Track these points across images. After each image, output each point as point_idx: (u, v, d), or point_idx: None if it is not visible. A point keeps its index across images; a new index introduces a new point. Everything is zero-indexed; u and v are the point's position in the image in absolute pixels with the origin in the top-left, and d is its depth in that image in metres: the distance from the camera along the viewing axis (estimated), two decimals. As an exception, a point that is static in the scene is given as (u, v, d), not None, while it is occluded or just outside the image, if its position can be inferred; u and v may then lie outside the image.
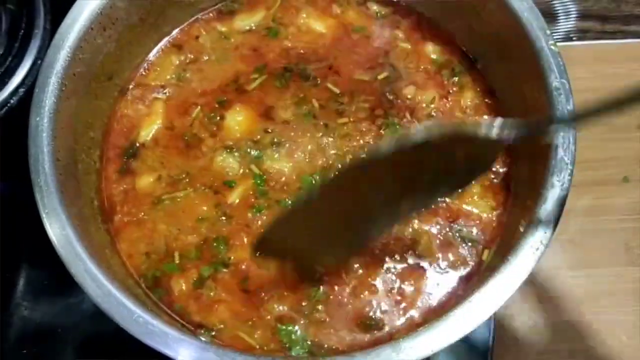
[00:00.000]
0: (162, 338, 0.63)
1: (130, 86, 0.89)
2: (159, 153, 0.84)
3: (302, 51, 0.89)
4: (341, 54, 0.89)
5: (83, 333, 0.92)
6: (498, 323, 0.92)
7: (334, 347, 0.72)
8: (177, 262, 0.78)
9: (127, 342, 0.63)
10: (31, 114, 0.73)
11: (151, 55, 0.91)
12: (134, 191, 0.82)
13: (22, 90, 0.86)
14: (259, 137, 0.83)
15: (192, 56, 0.91)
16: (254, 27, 0.92)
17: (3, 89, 0.85)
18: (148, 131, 0.86)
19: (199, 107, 0.86)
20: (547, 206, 0.67)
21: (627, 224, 1.05)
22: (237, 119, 0.85)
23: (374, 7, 0.93)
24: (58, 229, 0.68)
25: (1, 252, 0.91)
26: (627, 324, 0.99)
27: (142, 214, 0.81)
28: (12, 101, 0.85)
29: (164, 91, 0.88)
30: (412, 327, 0.73)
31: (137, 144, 0.85)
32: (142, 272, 0.78)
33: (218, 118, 0.85)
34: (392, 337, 0.72)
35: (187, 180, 0.82)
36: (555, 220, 0.66)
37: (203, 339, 0.71)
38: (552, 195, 0.67)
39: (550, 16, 1.22)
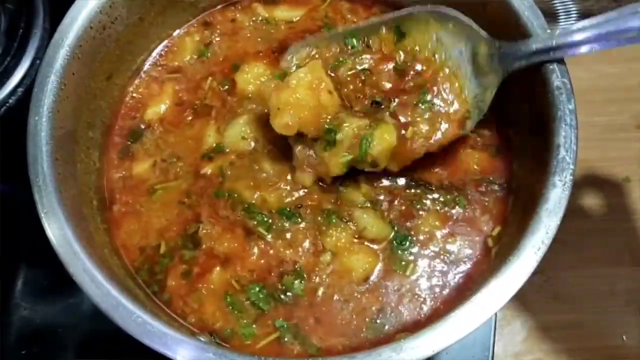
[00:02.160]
0: (161, 338, 0.63)
1: (146, 66, 0.91)
2: (158, 133, 0.85)
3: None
4: None
5: (83, 333, 0.92)
6: (499, 323, 0.92)
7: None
8: (163, 252, 0.78)
9: (126, 343, 0.63)
10: (30, 114, 0.73)
11: (174, 35, 0.93)
12: (131, 177, 0.84)
13: (20, 90, 0.86)
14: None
15: (218, 33, 0.92)
16: (294, 20, 0.93)
17: (1, 88, 0.85)
18: (155, 110, 0.87)
19: (210, 78, 0.88)
20: (549, 206, 0.67)
21: (628, 224, 1.05)
22: (245, 76, 0.86)
23: None
24: (57, 229, 0.68)
25: (0, 252, 0.91)
26: (627, 324, 0.99)
27: (139, 205, 0.82)
28: (10, 101, 0.85)
29: (179, 72, 0.90)
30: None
31: (142, 126, 0.86)
32: (137, 266, 0.78)
33: (227, 86, 0.87)
34: (394, 337, 0.72)
35: (178, 163, 0.83)
36: (557, 220, 0.66)
37: (202, 339, 0.71)
38: (553, 195, 0.67)
39: (550, 16, 1.22)
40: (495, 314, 0.63)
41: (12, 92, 0.85)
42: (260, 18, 0.93)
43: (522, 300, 1.00)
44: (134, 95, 0.89)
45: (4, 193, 0.92)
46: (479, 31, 0.75)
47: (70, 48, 0.77)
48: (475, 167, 0.82)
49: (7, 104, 0.85)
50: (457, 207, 0.79)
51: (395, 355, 0.61)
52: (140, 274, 0.78)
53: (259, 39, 0.91)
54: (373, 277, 0.76)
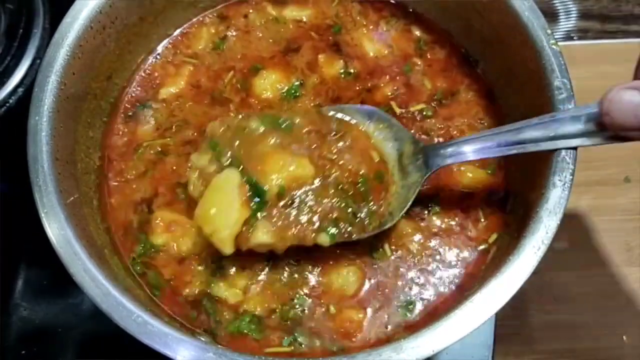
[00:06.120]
0: (161, 338, 0.63)
1: (160, 49, 0.92)
2: (174, 105, 0.87)
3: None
4: None
5: (83, 333, 0.92)
6: (499, 323, 0.92)
7: None
8: (136, 226, 0.80)
9: (127, 342, 0.63)
10: (30, 114, 0.73)
11: (175, 33, 0.93)
12: (133, 140, 0.85)
13: (20, 89, 0.85)
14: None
15: (234, 30, 0.93)
16: (304, 20, 0.93)
17: (2, 88, 0.85)
18: (170, 89, 0.88)
19: (232, 72, 0.89)
20: (549, 206, 0.67)
21: (628, 224, 1.05)
22: (262, 82, 0.87)
23: (417, 33, 0.92)
24: (57, 229, 0.68)
25: (0, 252, 0.91)
26: (627, 324, 0.99)
27: (127, 173, 0.83)
28: (10, 101, 0.85)
29: (195, 58, 0.91)
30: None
31: (155, 101, 0.88)
32: (129, 247, 0.80)
33: (246, 87, 0.88)
34: (394, 336, 0.72)
35: (185, 128, 0.85)
36: (557, 220, 0.66)
37: (203, 339, 0.71)
38: (553, 195, 0.67)
39: (551, 15, 1.22)
40: (495, 314, 0.63)
41: (13, 92, 0.85)
42: (270, 17, 0.94)
43: (522, 300, 1.00)
44: (149, 73, 0.90)
45: (4, 193, 0.92)
46: (406, 131, 0.77)
47: (71, 48, 0.77)
48: (471, 184, 0.82)
49: (7, 104, 0.85)
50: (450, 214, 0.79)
51: (395, 355, 0.61)
52: (133, 265, 0.79)
53: (271, 40, 0.92)
54: (364, 287, 0.76)
